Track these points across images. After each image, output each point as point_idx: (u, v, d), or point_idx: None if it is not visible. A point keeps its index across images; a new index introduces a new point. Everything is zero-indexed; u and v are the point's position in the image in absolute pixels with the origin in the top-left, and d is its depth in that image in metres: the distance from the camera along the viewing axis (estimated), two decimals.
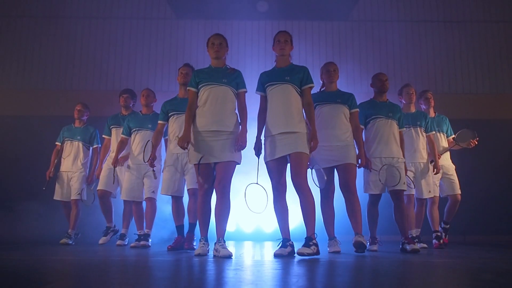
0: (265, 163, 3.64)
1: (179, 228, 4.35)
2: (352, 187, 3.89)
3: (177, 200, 4.32)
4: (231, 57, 3.64)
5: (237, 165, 3.58)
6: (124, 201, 4.83)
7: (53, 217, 5.63)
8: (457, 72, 6.99)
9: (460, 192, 4.86)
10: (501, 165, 6.42)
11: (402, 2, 7.01)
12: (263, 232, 6.33)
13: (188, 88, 3.67)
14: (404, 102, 4.82)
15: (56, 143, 5.38)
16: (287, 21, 6.82)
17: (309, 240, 3.35)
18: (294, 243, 3.55)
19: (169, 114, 4.30)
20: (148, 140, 4.26)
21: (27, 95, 6.84)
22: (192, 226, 4.26)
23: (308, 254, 3.28)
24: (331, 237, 3.96)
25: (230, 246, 4.52)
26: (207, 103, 3.53)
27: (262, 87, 3.69)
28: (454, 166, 4.96)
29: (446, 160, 4.94)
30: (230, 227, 6.25)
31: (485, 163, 6.35)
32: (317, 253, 3.32)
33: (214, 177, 3.54)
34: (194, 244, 4.25)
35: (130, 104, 5.14)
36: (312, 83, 3.65)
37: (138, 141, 4.70)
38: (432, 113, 5.04)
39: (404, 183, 4.09)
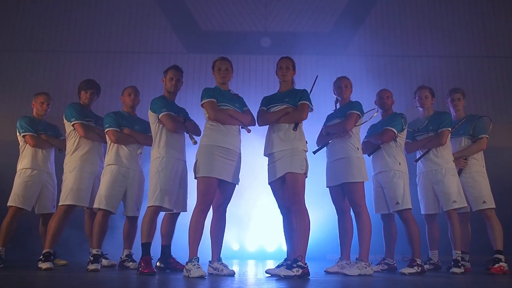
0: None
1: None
2: (353, 206, 3.78)
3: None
4: (237, 88, 4.06)
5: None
6: (95, 209, 3.91)
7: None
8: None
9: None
10: None
11: (395, 38, 7.56)
12: (266, 251, 6.56)
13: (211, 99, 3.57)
14: (417, 106, 4.38)
15: (28, 133, 4.25)
16: (288, 55, 7.32)
17: (295, 261, 3.23)
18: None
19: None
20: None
21: None
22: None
23: (290, 276, 3.15)
24: (344, 257, 3.80)
25: (234, 265, 4.71)
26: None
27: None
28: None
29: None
30: (234, 245, 6.59)
31: None
32: (303, 274, 3.20)
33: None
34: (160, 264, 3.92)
35: (93, 101, 4.35)
36: (308, 101, 3.58)
37: None
38: (459, 116, 4.38)
39: (397, 203, 3.84)
